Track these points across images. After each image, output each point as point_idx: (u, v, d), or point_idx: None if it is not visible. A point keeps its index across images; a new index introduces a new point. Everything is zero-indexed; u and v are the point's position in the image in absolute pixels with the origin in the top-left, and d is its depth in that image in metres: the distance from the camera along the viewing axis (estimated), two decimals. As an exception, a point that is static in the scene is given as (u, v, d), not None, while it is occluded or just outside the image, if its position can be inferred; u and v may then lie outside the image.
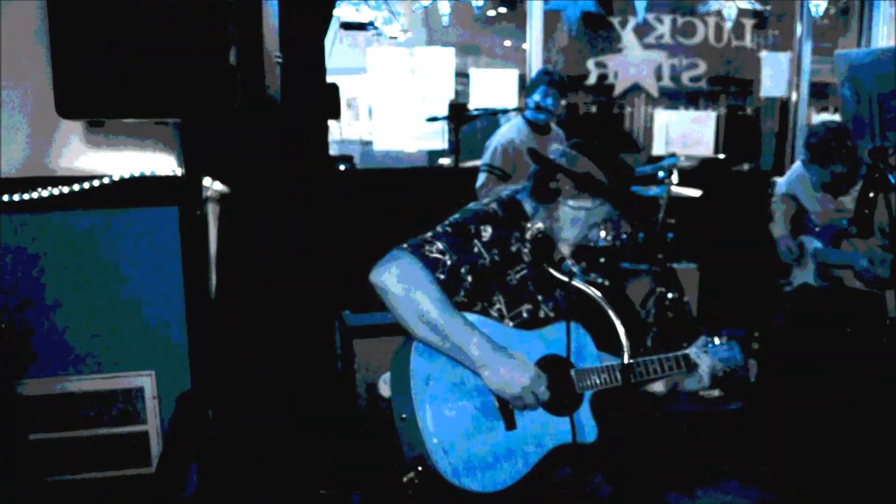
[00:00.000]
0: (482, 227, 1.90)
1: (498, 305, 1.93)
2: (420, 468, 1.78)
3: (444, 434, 1.78)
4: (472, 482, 1.77)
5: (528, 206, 2.01)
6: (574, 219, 1.97)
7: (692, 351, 2.05)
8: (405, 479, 1.79)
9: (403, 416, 1.80)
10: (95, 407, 2.65)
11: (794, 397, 3.44)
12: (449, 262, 1.82)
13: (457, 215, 1.95)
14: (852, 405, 3.23)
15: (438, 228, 1.89)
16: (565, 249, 2.01)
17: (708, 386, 2.04)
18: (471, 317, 1.85)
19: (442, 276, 1.81)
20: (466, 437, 1.80)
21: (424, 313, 1.76)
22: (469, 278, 1.86)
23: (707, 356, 2.05)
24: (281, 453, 2.64)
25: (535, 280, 1.97)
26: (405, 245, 1.84)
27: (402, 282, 1.77)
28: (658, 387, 2.12)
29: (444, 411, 1.79)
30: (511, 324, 1.93)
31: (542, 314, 1.97)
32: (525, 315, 1.95)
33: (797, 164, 3.60)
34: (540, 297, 1.98)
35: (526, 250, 1.98)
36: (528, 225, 1.99)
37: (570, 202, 1.95)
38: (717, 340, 2.08)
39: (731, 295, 4.80)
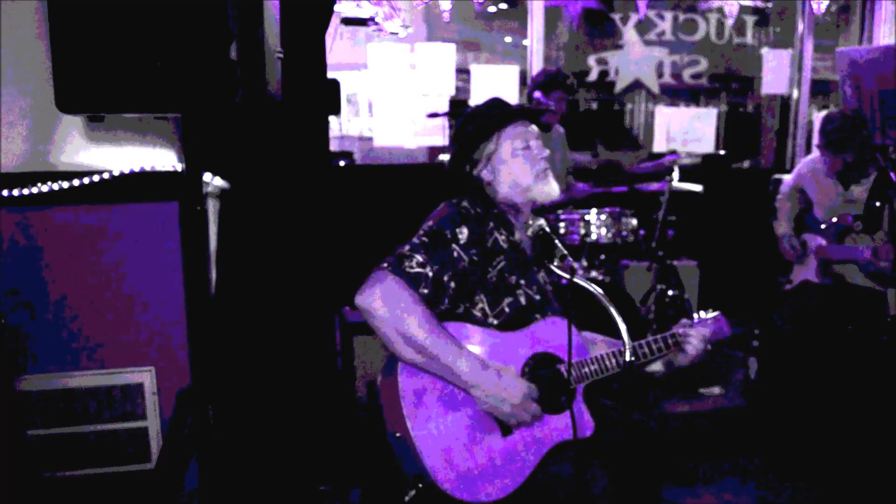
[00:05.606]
0: (458, 230, 1.89)
1: (481, 305, 1.92)
2: (420, 485, 1.78)
3: (440, 449, 1.77)
4: (474, 494, 1.76)
5: (485, 175, 2.04)
6: (508, 153, 2.01)
7: (679, 330, 2.06)
8: (407, 499, 1.79)
9: (398, 434, 1.79)
10: (95, 403, 2.65)
11: (794, 395, 3.44)
12: (431, 274, 1.81)
13: (430, 221, 1.93)
14: (853, 403, 3.23)
15: (415, 239, 1.87)
16: (544, 188, 2.03)
17: (697, 359, 2.05)
18: (454, 324, 1.84)
19: (426, 291, 1.80)
20: (463, 448, 1.79)
21: (410, 336, 1.75)
22: (452, 284, 1.85)
23: (694, 332, 2.04)
24: (281, 450, 2.64)
25: (512, 268, 1.97)
26: (385, 264, 1.81)
27: (386, 305, 1.76)
28: (656, 366, 2.13)
29: (438, 426, 1.79)
30: (495, 322, 1.93)
31: (523, 301, 1.96)
32: (507, 310, 1.94)
33: (813, 154, 3.63)
34: (522, 282, 1.98)
35: (502, 238, 1.98)
36: (497, 202, 2.03)
37: (491, 143, 2.02)
38: (702, 314, 2.11)
39: (732, 292, 4.80)
